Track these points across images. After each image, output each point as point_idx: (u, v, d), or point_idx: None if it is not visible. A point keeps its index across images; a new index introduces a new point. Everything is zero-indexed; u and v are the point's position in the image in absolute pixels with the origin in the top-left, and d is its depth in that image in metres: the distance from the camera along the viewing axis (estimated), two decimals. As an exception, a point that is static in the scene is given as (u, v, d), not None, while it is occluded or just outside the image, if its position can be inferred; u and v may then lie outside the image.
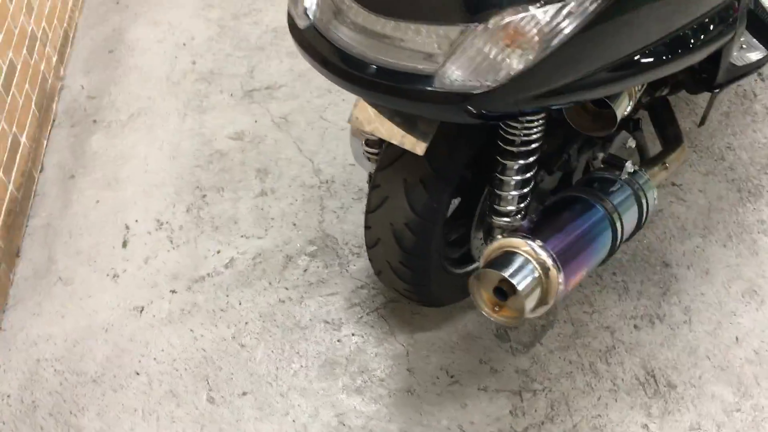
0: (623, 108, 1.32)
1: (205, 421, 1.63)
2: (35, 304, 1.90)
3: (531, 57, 1.02)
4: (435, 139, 1.25)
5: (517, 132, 1.29)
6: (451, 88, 1.05)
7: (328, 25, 1.13)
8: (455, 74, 1.04)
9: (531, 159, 1.34)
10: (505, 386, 1.62)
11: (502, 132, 1.30)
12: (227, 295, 1.86)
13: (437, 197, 1.34)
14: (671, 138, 1.66)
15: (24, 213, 2.11)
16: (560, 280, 1.18)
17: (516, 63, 1.03)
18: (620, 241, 1.37)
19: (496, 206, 1.37)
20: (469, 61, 1.03)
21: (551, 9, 1.00)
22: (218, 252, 1.96)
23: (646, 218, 1.44)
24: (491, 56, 1.02)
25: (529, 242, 1.20)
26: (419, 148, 1.22)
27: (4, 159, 2.02)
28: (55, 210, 2.13)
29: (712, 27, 1.30)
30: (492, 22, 1.01)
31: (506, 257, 1.19)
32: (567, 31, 1.02)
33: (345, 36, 1.11)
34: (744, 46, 1.65)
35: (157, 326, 1.82)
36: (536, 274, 1.18)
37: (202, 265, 1.94)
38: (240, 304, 1.84)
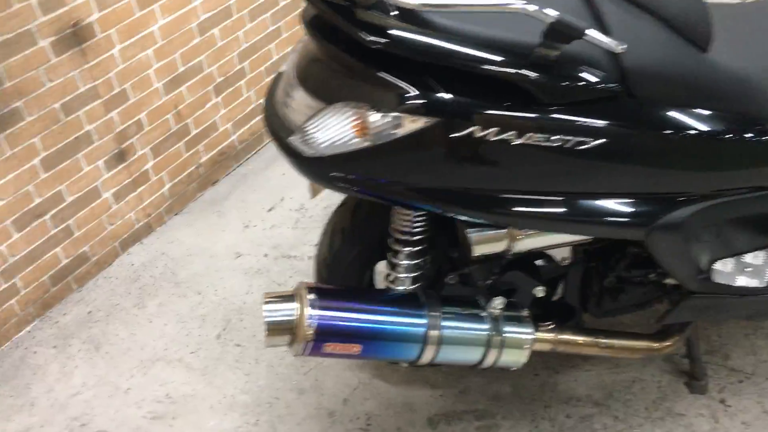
0: (490, 242, 1.37)
1: None
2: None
3: (359, 144, 1.20)
4: (363, 202, 1.51)
5: (401, 222, 1.44)
6: (294, 148, 1.27)
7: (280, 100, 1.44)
8: (298, 139, 1.26)
9: (416, 249, 1.46)
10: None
11: (393, 218, 1.48)
12: None
13: (348, 249, 1.59)
14: (562, 312, 1.59)
15: (237, 160, 2.84)
16: (310, 333, 1.31)
17: (342, 144, 1.21)
18: (433, 360, 1.42)
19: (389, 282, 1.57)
20: (313, 130, 1.24)
21: (383, 116, 1.17)
22: None
23: (488, 365, 1.45)
24: (327, 131, 1.23)
25: (311, 294, 1.35)
26: (310, 196, 1.48)
27: (239, 117, 2.77)
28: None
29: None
30: (337, 107, 1.22)
31: (287, 296, 1.36)
32: (391, 137, 1.18)
33: (281, 107, 1.44)
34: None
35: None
36: (291, 314, 1.32)
37: None
38: None
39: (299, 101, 1.30)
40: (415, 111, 1.17)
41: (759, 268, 1.47)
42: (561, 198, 1.28)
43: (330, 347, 1.32)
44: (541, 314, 1.66)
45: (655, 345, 1.60)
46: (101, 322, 2.25)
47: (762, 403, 1.81)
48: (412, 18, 1.17)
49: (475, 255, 1.39)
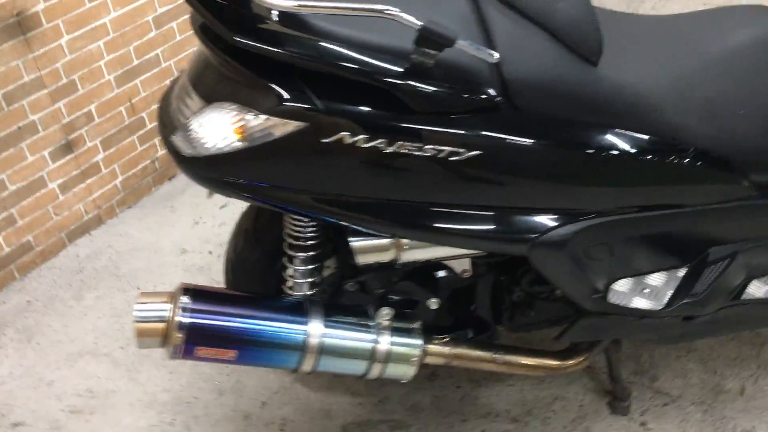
0: (374, 251, 1.35)
1: None
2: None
3: (236, 145, 1.18)
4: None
5: (293, 226, 1.41)
6: (175, 146, 1.25)
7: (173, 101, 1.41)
8: (179, 137, 1.24)
9: (310, 254, 1.43)
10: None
11: (285, 223, 1.44)
12: None
13: (249, 251, 1.56)
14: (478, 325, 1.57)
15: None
16: (180, 336, 1.27)
17: (221, 144, 1.18)
18: (314, 370, 1.39)
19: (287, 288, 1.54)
20: (193, 129, 1.22)
21: (256, 117, 1.15)
22: None
23: (374, 377, 1.41)
24: (206, 131, 1.20)
25: (185, 296, 1.31)
26: (207, 195, 1.45)
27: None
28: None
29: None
30: (216, 106, 1.19)
31: (163, 296, 1.32)
32: (265, 140, 1.15)
33: (172, 107, 1.40)
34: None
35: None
36: (162, 315, 1.29)
37: None
38: None
39: (186, 101, 1.28)
40: (284, 115, 1.15)
41: (658, 289, 1.42)
42: (439, 209, 1.25)
43: (202, 351, 1.29)
44: (450, 326, 1.63)
45: (558, 363, 1.56)
46: (38, 312, 2.24)
47: (683, 428, 1.77)
48: (290, 21, 1.15)
49: (361, 264, 1.36)
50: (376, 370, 1.38)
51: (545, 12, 1.23)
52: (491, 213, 1.26)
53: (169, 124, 1.31)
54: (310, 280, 1.46)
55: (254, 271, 1.57)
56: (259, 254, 1.54)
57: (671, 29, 1.45)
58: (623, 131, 1.26)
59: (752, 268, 1.49)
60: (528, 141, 1.21)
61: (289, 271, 1.46)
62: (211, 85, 1.24)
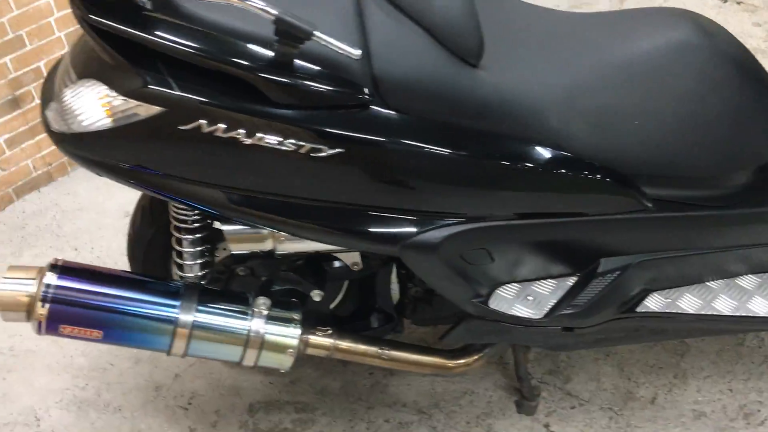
0: (249, 240, 1.34)
1: None
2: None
3: (102, 125, 1.15)
4: None
5: (175, 208, 1.40)
6: (47, 121, 1.24)
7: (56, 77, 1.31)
8: (52, 112, 1.23)
9: (196, 236, 1.41)
10: None
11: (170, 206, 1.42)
12: None
13: (146, 229, 1.54)
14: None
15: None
16: (42, 313, 1.27)
17: (88, 122, 1.16)
18: (186, 354, 1.38)
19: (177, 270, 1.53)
20: (61, 107, 1.20)
21: (118, 98, 1.14)
22: None
23: (249, 364, 1.40)
24: (75, 107, 1.17)
25: (51, 272, 1.30)
26: None
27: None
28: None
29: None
30: (86, 83, 1.17)
31: (31, 270, 1.31)
32: (128, 121, 1.13)
33: (52, 82, 1.36)
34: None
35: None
36: (27, 290, 1.28)
37: None
38: None
39: (65, 78, 1.26)
40: (145, 98, 1.13)
41: (542, 298, 1.39)
42: (307, 204, 1.22)
43: (67, 329, 1.29)
44: (353, 317, 1.61)
45: (449, 362, 1.54)
46: (-26, 267, 2.26)
47: (585, 433, 1.74)
48: (159, 4, 1.12)
49: (236, 253, 1.34)
50: (250, 358, 1.38)
51: (422, 10, 1.18)
52: (360, 212, 1.23)
53: (47, 98, 1.29)
54: (198, 262, 1.45)
55: (150, 248, 1.55)
56: (154, 232, 1.53)
57: (582, 29, 1.39)
58: (499, 136, 1.22)
59: (650, 280, 1.45)
60: (397, 141, 1.18)
61: (178, 253, 1.45)
62: (85, 63, 1.22)
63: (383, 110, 1.16)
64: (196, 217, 1.39)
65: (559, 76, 1.27)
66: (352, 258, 1.44)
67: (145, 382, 1.91)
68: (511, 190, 1.26)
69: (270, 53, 1.10)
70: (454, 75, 1.18)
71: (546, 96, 1.24)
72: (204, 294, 1.36)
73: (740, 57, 1.35)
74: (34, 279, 1.30)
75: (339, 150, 1.15)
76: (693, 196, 1.37)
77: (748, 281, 1.53)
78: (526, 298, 1.39)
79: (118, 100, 1.14)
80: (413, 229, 1.25)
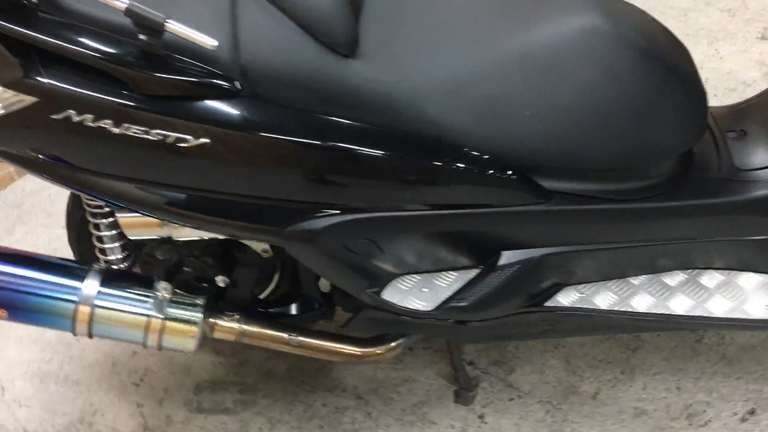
0: (143, 226, 1.37)
1: None
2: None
3: None
4: None
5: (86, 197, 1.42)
6: None
7: None
8: None
9: (109, 220, 1.44)
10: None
11: None
12: None
13: (76, 208, 1.57)
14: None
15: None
16: None
17: None
18: (91, 335, 1.41)
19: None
20: None
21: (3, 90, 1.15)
22: None
23: (153, 346, 1.44)
24: None
25: None
26: None
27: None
28: None
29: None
30: None
31: None
32: (10, 109, 1.15)
33: None
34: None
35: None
36: None
37: None
38: None
39: None
40: (18, 88, 1.16)
41: (438, 290, 1.37)
42: (185, 193, 1.24)
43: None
44: (276, 303, 1.63)
45: (362, 351, 1.54)
46: (-31, 242, 2.39)
47: (519, 426, 1.72)
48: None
49: (132, 239, 1.37)
50: (153, 341, 1.42)
51: (290, 1, 1.16)
52: (238, 200, 1.24)
53: None
54: (117, 245, 1.49)
55: (81, 230, 1.61)
56: (83, 215, 1.58)
57: (483, 15, 1.34)
58: (373, 128, 1.20)
59: (560, 275, 1.41)
60: (266, 131, 1.18)
61: (95, 236, 1.50)
62: None
63: (252, 100, 1.17)
64: (101, 202, 1.43)
65: (446, 66, 1.24)
66: (260, 245, 1.45)
67: (104, 358, 1.99)
68: (387, 182, 1.24)
69: (135, 44, 1.12)
70: (322, 66, 1.17)
71: (425, 87, 1.21)
72: (109, 277, 1.41)
73: (648, 45, 1.27)
74: None
75: (205, 140, 1.16)
76: (595, 189, 1.32)
77: (673, 278, 1.46)
78: (422, 290, 1.38)
79: (2, 91, 1.19)
80: (291, 219, 1.25)
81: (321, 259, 1.31)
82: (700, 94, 1.32)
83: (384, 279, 1.37)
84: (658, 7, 2.89)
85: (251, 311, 1.52)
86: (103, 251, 1.50)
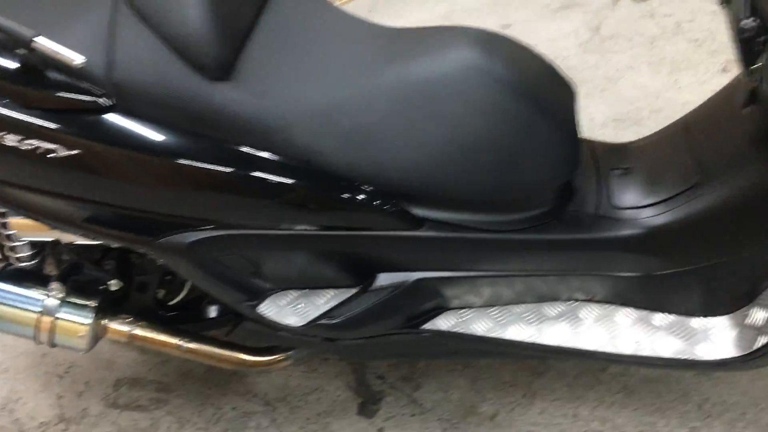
0: (33, 228, 1.42)
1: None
2: None
3: None
4: None
5: None
6: None
7: None
8: None
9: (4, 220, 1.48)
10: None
11: None
12: None
13: None
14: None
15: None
16: None
17: None
18: None
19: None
20: None
21: None
22: None
23: (45, 344, 1.52)
24: None
25: None
26: None
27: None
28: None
29: None
30: None
31: None
32: None
33: None
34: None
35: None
36: None
37: None
38: None
39: None
40: None
41: (312, 307, 1.42)
42: (60, 200, 1.31)
43: None
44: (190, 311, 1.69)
45: (252, 359, 1.59)
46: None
47: (415, 442, 1.76)
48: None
49: (24, 240, 1.44)
50: (44, 338, 1.49)
51: (160, 23, 1.22)
52: (111, 210, 1.31)
53: None
54: (18, 244, 1.55)
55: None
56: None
57: (370, 45, 1.39)
58: (238, 149, 1.26)
59: (440, 299, 1.45)
60: (137, 147, 1.24)
61: (4, 236, 1.57)
62: None
63: (123, 116, 1.23)
64: None
65: (318, 93, 1.29)
66: None
67: (36, 349, 2.06)
68: (255, 201, 1.30)
69: (12, 58, 1.19)
70: (190, 87, 1.23)
71: (294, 111, 1.26)
72: (5, 274, 1.48)
73: (520, 84, 1.30)
74: None
75: (77, 151, 1.23)
76: (467, 219, 1.36)
77: (553, 308, 1.50)
78: (298, 306, 1.43)
79: None
80: (163, 231, 1.31)
81: (195, 272, 1.37)
82: (571, 132, 1.36)
83: (261, 293, 1.43)
84: (627, 33, 2.91)
85: (147, 315, 1.58)
86: (8, 249, 1.57)
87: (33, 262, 1.58)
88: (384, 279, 1.41)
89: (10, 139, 1.23)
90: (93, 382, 1.98)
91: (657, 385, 1.81)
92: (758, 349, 1.36)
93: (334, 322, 1.40)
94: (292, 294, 1.44)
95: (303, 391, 1.91)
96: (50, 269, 1.69)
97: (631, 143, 1.58)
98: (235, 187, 1.28)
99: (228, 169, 1.26)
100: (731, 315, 1.43)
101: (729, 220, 1.34)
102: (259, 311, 1.42)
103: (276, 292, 1.44)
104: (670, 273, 1.42)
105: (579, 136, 1.37)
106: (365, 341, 1.46)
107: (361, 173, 1.29)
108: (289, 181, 1.28)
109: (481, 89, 1.29)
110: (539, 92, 1.33)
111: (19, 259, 1.57)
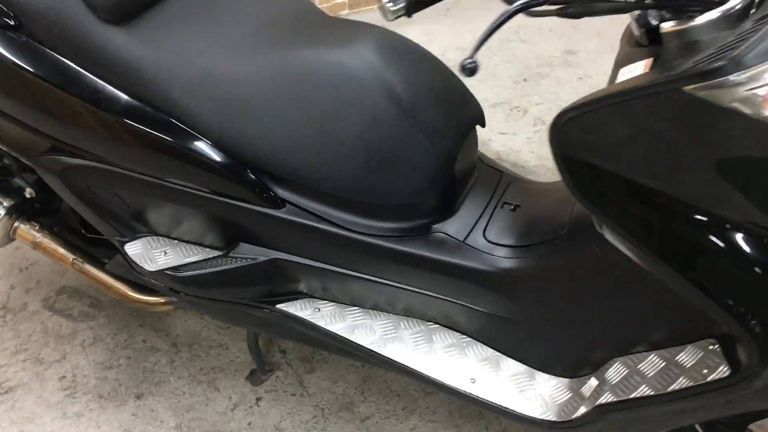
0: None
1: None
2: None
3: None
4: None
5: None
6: None
7: None
8: None
9: None
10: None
11: None
12: None
13: None
14: None
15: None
16: None
17: None
18: None
19: None
20: None
21: None
22: None
23: None
24: None
25: None
26: None
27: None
28: None
29: None
30: None
31: None
32: None
33: None
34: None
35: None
36: None
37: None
38: None
39: None
40: None
41: (172, 256, 1.49)
42: None
43: None
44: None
45: (130, 294, 1.67)
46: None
47: (283, 419, 1.80)
48: None
49: None
50: None
51: None
52: (7, 119, 1.42)
53: None
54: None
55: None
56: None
57: (285, 23, 1.42)
58: (115, 91, 1.33)
59: (297, 283, 1.48)
60: (26, 67, 1.34)
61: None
62: None
63: (24, 37, 1.34)
64: None
65: (209, 58, 1.34)
66: None
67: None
68: (124, 143, 1.37)
69: None
70: (80, 21, 1.30)
71: (177, 68, 1.32)
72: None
73: (404, 94, 1.28)
74: None
75: None
76: (326, 212, 1.37)
77: (412, 325, 1.48)
78: (160, 252, 1.50)
79: None
80: (46, 150, 1.42)
81: (68, 195, 1.47)
82: (447, 154, 1.33)
83: (134, 232, 1.51)
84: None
85: (57, 228, 1.71)
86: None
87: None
88: (244, 249, 1.45)
89: None
90: (43, 282, 2.17)
91: (537, 438, 1.74)
92: (573, 419, 1.28)
93: (178, 275, 1.46)
94: (164, 242, 1.51)
95: (209, 344, 1.99)
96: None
97: (539, 182, 1.52)
98: (108, 126, 1.36)
99: (102, 109, 1.34)
100: (572, 380, 1.36)
101: (567, 283, 1.28)
102: (125, 248, 1.51)
103: (149, 236, 1.51)
104: (522, 320, 1.37)
105: (464, 160, 1.35)
106: (214, 303, 1.51)
107: (230, 143, 1.34)
108: (157, 133, 1.34)
109: (364, 90, 1.28)
110: (422, 108, 1.30)
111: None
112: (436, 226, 1.40)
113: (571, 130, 1.01)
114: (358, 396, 1.85)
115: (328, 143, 1.31)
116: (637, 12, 1.04)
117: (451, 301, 1.42)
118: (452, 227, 1.40)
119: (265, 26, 1.42)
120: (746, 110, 0.82)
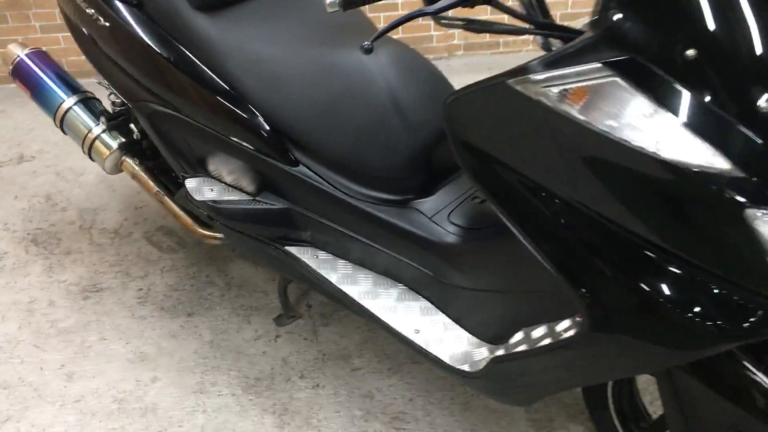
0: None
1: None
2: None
3: None
4: None
5: None
6: None
7: None
8: None
9: None
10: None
11: None
12: None
13: None
14: None
15: None
16: None
17: None
18: (62, 128, 2.21)
19: None
20: None
21: None
22: None
23: (86, 152, 2.18)
24: None
25: None
26: None
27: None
28: None
29: None
30: None
31: None
32: None
33: None
34: None
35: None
36: None
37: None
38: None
39: None
40: None
41: (217, 194, 1.91)
42: (104, 58, 1.96)
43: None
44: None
45: (193, 226, 2.11)
46: None
47: (290, 354, 2.16)
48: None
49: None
50: (86, 147, 2.20)
51: None
52: (119, 70, 1.93)
53: None
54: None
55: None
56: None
57: (327, 26, 1.83)
58: (193, 58, 1.79)
59: (305, 232, 1.85)
60: (144, 36, 1.84)
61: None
62: None
63: (139, 12, 1.85)
64: None
65: (261, 44, 1.77)
66: None
67: (139, 191, 2.83)
68: (189, 100, 1.81)
69: None
70: (188, 15, 1.79)
71: (239, 51, 1.76)
72: (85, 100, 2.22)
73: (396, 88, 1.64)
74: None
75: (108, 24, 1.88)
76: (329, 176, 1.74)
77: (389, 284, 1.79)
78: (210, 189, 1.93)
79: None
80: (141, 97, 1.91)
81: (154, 135, 1.95)
82: (424, 142, 1.66)
83: (194, 171, 1.96)
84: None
85: (153, 165, 2.22)
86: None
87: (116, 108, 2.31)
88: (267, 197, 1.86)
89: (89, 12, 1.92)
90: (149, 220, 2.71)
91: (497, 415, 1.97)
92: (477, 371, 1.53)
93: (217, 206, 1.88)
94: (212, 182, 1.95)
95: (254, 288, 2.40)
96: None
97: None
98: (185, 86, 1.80)
99: (184, 73, 1.81)
100: (490, 345, 1.61)
101: (494, 263, 1.54)
102: (186, 182, 1.96)
103: (203, 176, 1.96)
104: (465, 289, 1.64)
105: (447, 153, 1.67)
106: (241, 237, 1.92)
107: (265, 110, 1.75)
108: (218, 97, 1.78)
109: (369, 86, 1.66)
110: (412, 106, 1.65)
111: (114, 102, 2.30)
112: (413, 203, 1.72)
113: (452, 109, 1.30)
114: (356, 351, 2.17)
115: (333, 119, 1.69)
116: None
117: (414, 266, 1.72)
118: (425, 206, 1.71)
119: (310, 29, 1.84)
120: (547, 102, 1.10)
